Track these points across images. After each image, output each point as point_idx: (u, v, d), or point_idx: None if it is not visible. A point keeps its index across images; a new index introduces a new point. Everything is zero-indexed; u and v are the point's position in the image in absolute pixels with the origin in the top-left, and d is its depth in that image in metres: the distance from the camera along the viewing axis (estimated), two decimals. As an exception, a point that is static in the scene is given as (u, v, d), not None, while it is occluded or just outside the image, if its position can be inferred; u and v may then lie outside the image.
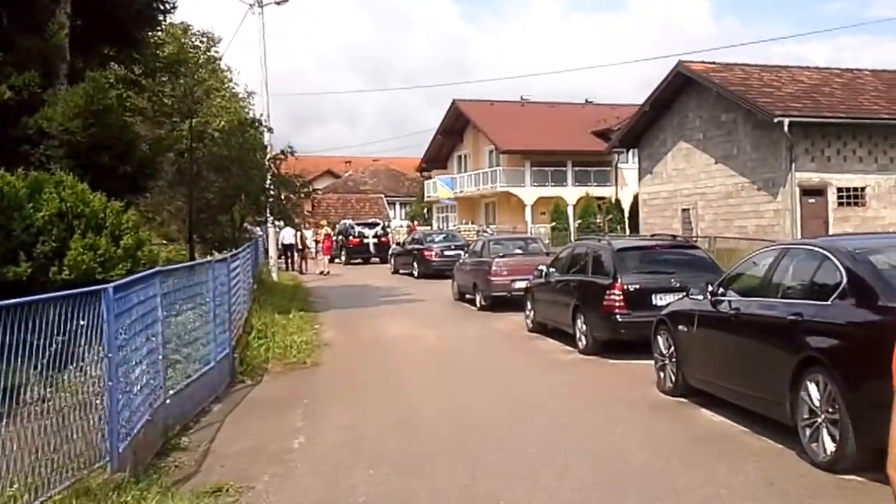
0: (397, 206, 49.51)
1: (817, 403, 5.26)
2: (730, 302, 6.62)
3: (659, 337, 7.71)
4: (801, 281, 6.08)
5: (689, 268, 9.94)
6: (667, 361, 7.56)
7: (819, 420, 5.26)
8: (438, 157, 42.56)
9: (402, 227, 38.38)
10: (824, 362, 5.22)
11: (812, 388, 5.32)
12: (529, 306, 12.50)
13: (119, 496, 4.30)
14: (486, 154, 38.20)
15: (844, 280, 5.39)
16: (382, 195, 47.18)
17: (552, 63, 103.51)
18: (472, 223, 38.26)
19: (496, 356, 10.49)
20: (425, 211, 45.15)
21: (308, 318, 13.40)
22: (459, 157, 41.40)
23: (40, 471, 3.98)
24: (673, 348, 7.45)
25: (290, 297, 16.43)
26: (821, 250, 5.88)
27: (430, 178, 43.43)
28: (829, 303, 5.44)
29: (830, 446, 5.14)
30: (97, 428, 4.60)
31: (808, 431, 5.37)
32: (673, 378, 7.42)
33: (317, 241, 28.08)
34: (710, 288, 6.92)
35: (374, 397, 7.55)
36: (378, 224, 32.48)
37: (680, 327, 7.31)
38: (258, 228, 20.30)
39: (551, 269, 11.81)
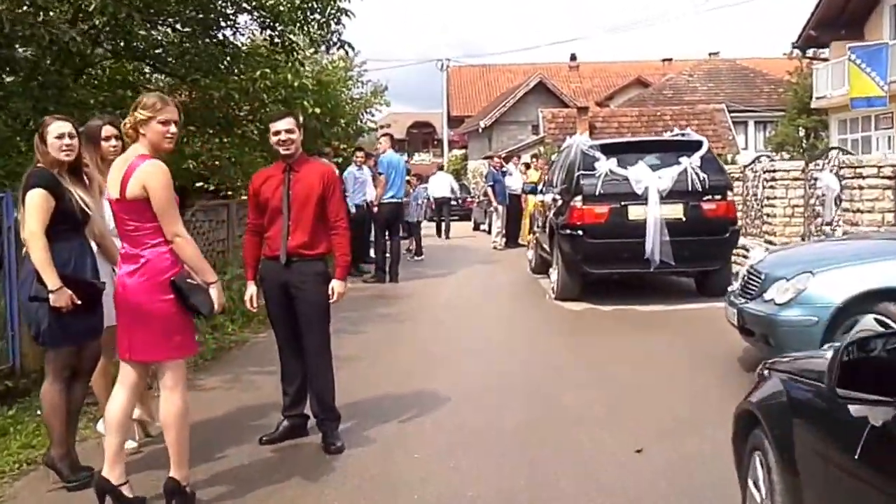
0: (750, 126, 36.11)
1: None
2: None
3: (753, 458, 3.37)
4: None
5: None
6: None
7: None
8: (841, 15, 25.60)
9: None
10: None
11: None
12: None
13: None
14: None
15: None
16: (724, 107, 33.87)
17: None
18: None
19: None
20: (804, 134, 29.38)
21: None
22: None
23: None
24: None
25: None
26: None
27: (820, 60, 28.58)
28: None
29: None
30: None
31: None
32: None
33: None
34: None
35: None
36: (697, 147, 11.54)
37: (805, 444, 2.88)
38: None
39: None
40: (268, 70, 11.02)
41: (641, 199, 10.27)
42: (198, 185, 15.42)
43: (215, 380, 7.14)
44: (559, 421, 5.66)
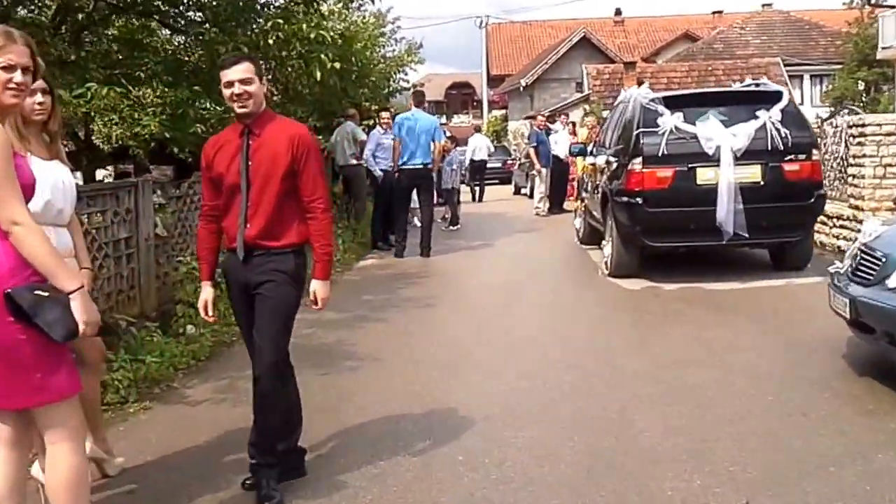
0: (806, 81, 34.56)
1: None
2: None
3: None
4: None
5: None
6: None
7: None
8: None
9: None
10: None
11: None
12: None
13: None
14: None
15: None
16: (779, 61, 31.15)
17: None
18: None
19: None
20: (864, 88, 28.80)
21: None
22: None
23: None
24: None
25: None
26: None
27: (887, 7, 27.10)
28: None
29: None
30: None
31: None
32: None
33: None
34: None
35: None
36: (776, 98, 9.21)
37: None
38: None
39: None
40: (280, 21, 9.56)
41: (712, 160, 8.76)
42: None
43: (206, 389, 5.85)
44: (630, 458, 4.25)
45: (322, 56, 9.76)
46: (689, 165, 8.79)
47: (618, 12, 49.77)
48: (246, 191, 3.82)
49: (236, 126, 3.94)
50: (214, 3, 10.68)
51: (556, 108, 31.80)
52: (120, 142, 12.90)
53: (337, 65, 9.98)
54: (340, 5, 18.20)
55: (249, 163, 3.82)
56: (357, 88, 13.10)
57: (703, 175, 8.80)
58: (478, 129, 26.85)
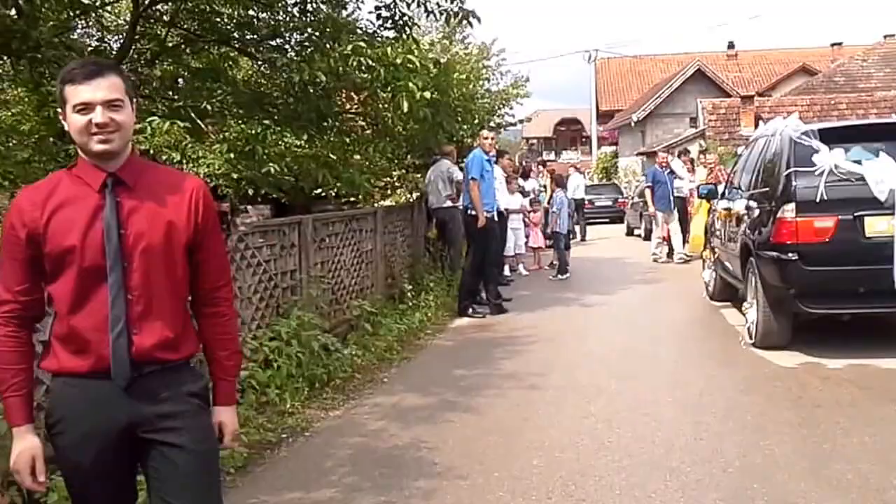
0: None
1: None
2: None
3: None
4: None
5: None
6: None
7: None
8: None
9: None
10: None
11: None
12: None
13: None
14: None
15: None
16: None
17: None
18: None
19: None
20: None
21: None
22: None
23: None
24: None
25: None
26: None
27: None
28: None
29: None
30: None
31: None
32: None
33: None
34: None
35: None
36: None
37: None
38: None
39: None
40: (362, 45, 8.16)
41: (885, 208, 6.87)
42: (316, 191, 12.91)
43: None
44: None
45: (410, 84, 8.27)
46: (856, 213, 6.92)
47: (731, 45, 47.24)
48: (122, 276, 2.40)
49: (86, 172, 2.46)
50: (295, 27, 9.43)
51: (669, 144, 29.82)
52: (209, 180, 11.66)
53: (428, 94, 8.46)
54: (441, 36, 16.84)
55: (122, 231, 2.41)
56: (454, 122, 11.55)
57: (874, 226, 6.92)
58: (576, 168, 25.16)
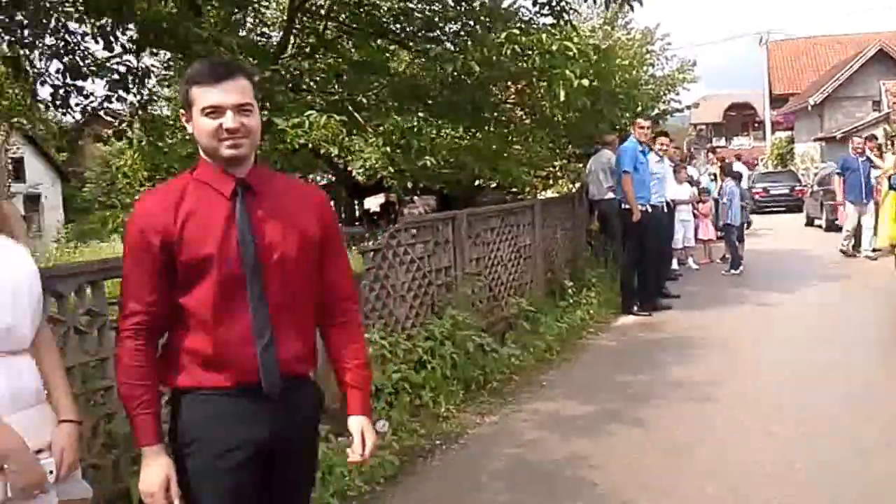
0: None
1: None
2: None
3: None
4: None
5: None
6: None
7: None
8: None
9: None
10: None
11: None
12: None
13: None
14: None
15: None
16: None
17: None
18: None
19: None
20: None
21: None
22: None
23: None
24: None
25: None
26: None
27: None
28: None
29: None
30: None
31: None
32: None
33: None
34: None
35: None
36: None
37: None
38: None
39: None
40: (515, 32, 7.76)
41: None
42: (477, 183, 12.67)
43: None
44: None
45: (567, 71, 7.78)
46: None
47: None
48: (259, 285, 2.24)
49: (214, 177, 2.29)
50: (450, 17, 9.17)
51: (850, 129, 27.70)
52: (370, 172, 11.58)
53: (585, 82, 7.94)
54: (602, 22, 16.14)
55: (256, 240, 2.25)
56: (615, 110, 10.93)
57: None
58: (738, 157, 23.77)
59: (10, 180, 26.68)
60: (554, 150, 12.71)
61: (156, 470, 2.23)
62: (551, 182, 15.50)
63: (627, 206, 9.33)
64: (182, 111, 2.33)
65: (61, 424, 2.33)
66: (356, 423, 2.44)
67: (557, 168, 14.44)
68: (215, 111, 2.21)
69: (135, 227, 2.26)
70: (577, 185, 12.60)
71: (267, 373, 2.24)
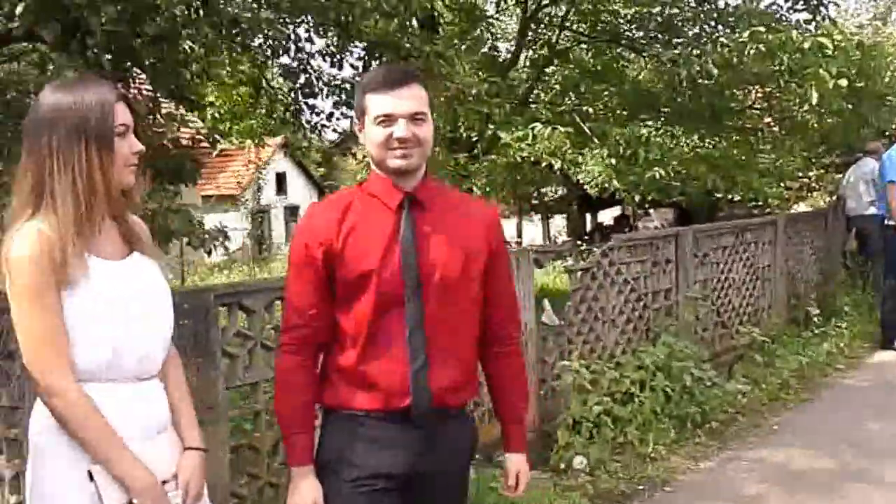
0: None
1: None
2: None
3: None
4: None
5: None
6: None
7: None
8: None
9: None
10: None
11: None
12: None
13: None
14: None
15: None
16: None
17: None
18: None
19: None
20: None
21: None
22: None
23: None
24: None
25: None
26: None
27: None
28: None
29: None
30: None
31: None
32: None
33: None
34: None
35: None
36: None
37: None
38: None
39: None
40: (761, 29, 7.00)
41: None
42: (717, 196, 11.81)
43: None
44: None
45: (820, 71, 6.89)
46: None
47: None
48: (418, 305, 2.13)
49: (372, 191, 2.22)
50: (688, 19, 8.53)
51: None
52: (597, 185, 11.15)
53: (844, 82, 7.00)
54: (871, 17, 14.52)
55: (417, 254, 2.14)
56: (882, 114, 9.67)
57: None
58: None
59: (273, 194, 28.73)
60: (808, 160, 11.52)
61: (306, 491, 2.18)
62: (806, 195, 14.16)
63: (892, 223, 8.13)
64: (356, 120, 2.25)
65: (186, 452, 2.17)
66: (514, 462, 2.37)
67: (813, 179, 13.12)
68: (387, 119, 2.11)
69: (299, 240, 2.21)
70: (833, 197, 11.33)
71: (417, 398, 2.12)
